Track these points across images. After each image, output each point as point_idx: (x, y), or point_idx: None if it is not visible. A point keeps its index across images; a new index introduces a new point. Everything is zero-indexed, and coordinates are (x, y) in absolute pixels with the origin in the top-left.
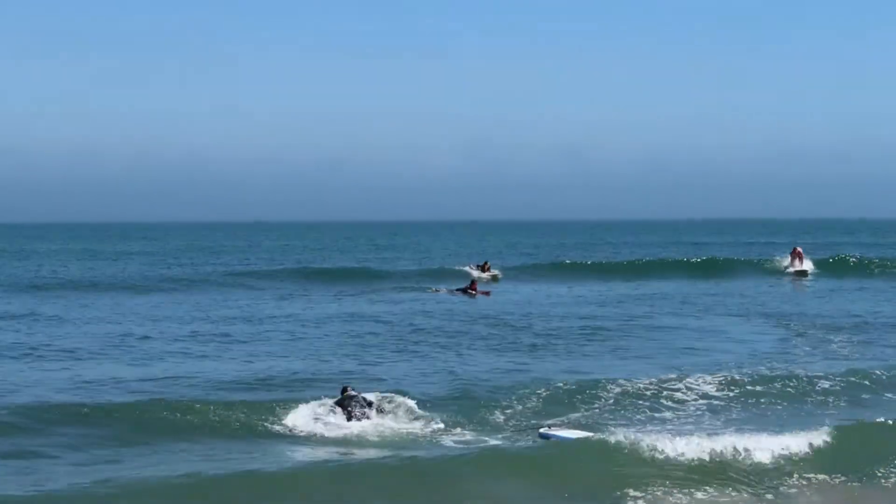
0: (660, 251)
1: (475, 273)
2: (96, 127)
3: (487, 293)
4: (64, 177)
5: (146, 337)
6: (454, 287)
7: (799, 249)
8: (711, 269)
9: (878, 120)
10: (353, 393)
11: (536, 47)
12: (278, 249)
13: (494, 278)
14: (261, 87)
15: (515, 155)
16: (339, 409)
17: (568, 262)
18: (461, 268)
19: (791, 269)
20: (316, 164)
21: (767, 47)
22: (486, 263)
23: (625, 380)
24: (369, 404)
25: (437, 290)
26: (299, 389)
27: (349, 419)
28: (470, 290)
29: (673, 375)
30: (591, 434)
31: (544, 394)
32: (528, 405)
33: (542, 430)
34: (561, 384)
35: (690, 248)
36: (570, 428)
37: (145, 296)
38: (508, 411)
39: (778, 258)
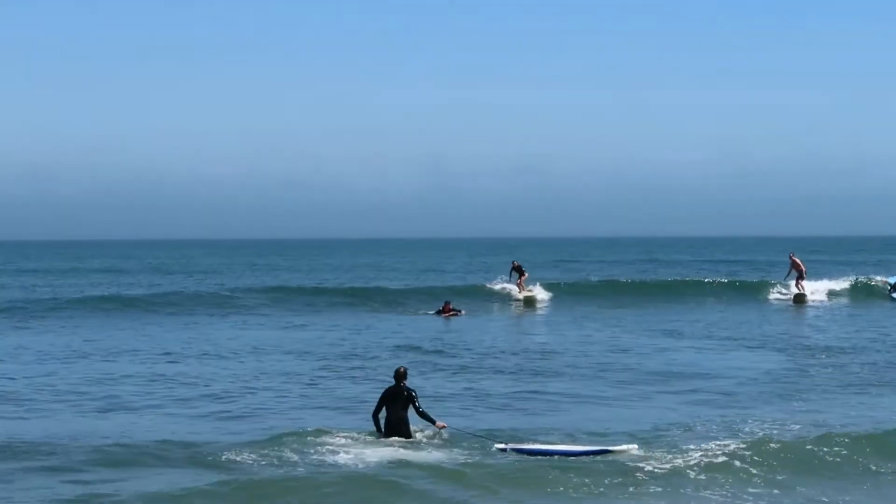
0: (663, 269)
1: (515, 291)
2: (50, 144)
3: (458, 312)
4: (14, 195)
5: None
6: (431, 310)
7: (797, 259)
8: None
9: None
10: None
11: (497, 63)
12: (264, 268)
13: (529, 301)
14: (221, 105)
15: (474, 172)
16: None
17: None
18: (495, 285)
19: (789, 288)
20: (277, 183)
21: (726, 63)
22: (521, 277)
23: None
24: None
25: (426, 313)
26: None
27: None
28: (444, 313)
29: None
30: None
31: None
32: None
33: (498, 446)
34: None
35: (679, 266)
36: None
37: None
38: None
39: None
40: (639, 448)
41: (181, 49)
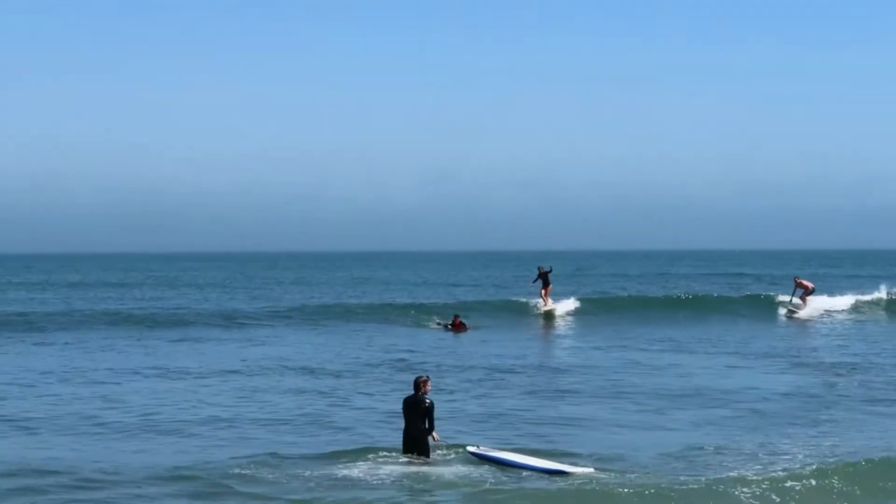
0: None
1: (542, 304)
2: (58, 157)
3: (463, 326)
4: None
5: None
6: (442, 321)
7: (801, 281)
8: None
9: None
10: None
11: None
12: (272, 282)
13: (549, 315)
14: (221, 122)
15: (480, 186)
16: None
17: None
18: (523, 299)
19: (793, 305)
20: (286, 198)
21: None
22: (546, 287)
23: None
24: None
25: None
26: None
27: None
28: (454, 327)
29: None
30: (522, 456)
31: None
32: None
33: (470, 448)
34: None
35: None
36: (500, 449)
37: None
38: None
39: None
40: (596, 471)
41: (178, 58)
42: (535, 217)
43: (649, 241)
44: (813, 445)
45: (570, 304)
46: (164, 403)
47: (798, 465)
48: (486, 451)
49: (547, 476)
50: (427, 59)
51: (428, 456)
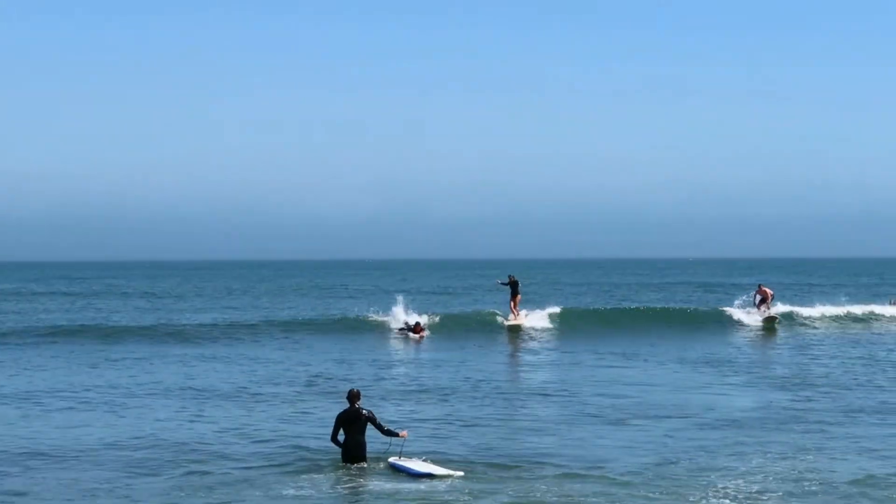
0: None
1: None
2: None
3: (422, 335)
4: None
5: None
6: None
7: (766, 288)
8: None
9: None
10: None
11: (454, 83)
12: (222, 292)
13: (515, 329)
14: (170, 127)
15: (433, 193)
16: None
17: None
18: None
19: (760, 313)
20: (232, 205)
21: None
22: (515, 297)
23: None
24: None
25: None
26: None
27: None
28: (412, 332)
29: None
30: (437, 471)
31: None
32: None
33: (391, 460)
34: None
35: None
36: (421, 461)
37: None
38: None
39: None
40: (463, 475)
41: (133, 71)
42: (485, 225)
43: (595, 249)
44: (779, 462)
45: (541, 317)
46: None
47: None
48: (403, 461)
49: (422, 480)
50: (379, 66)
51: (365, 462)
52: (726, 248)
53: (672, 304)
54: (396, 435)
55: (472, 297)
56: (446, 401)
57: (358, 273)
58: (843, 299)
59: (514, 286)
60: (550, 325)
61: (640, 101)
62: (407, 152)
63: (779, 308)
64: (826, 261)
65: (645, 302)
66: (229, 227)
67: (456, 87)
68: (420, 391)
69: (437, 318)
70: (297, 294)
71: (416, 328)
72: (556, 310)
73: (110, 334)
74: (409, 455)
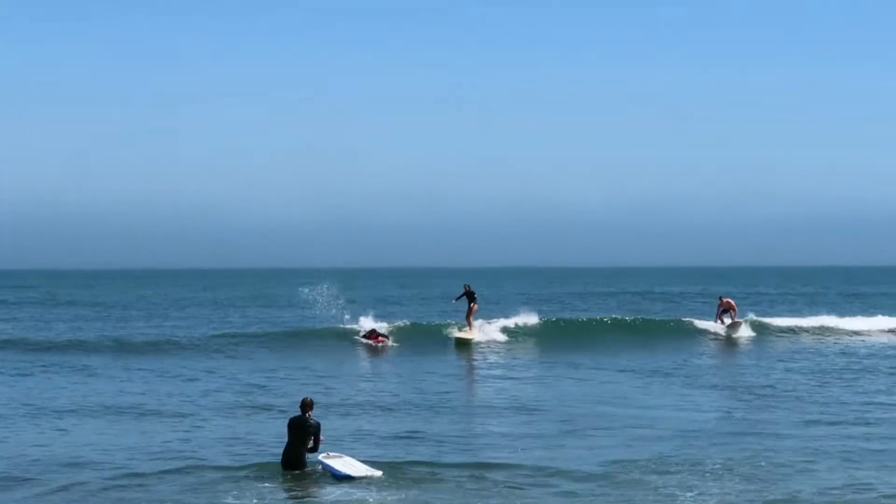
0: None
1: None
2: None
3: (383, 342)
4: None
5: None
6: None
7: (728, 300)
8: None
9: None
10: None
11: (387, 90)
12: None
13: (462, 343)
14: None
15: (366, 200)
16: None
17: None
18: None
19: (725, 325)
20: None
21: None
22: (471, 306)
23: None
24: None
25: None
26: None
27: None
28: (371, 339)
29: None
30: (357, 471)
31: None
32: None
33: (320, 457)
34: None
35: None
36: (349, 462)
37: None
38: None
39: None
40: (382, 475)
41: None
42: (422, 233)
43: (535, 258)
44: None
45: (494, 329)
46: None
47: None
48: (331, 459)
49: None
50: (314, 74)
51: (305, 468)
52: (658, 257)
53: (620, 315)
54: (315, 450)
55: (419, 306)
56: (392, 414)
57: (305, 281)
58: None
59: (469, 296)
60: (505, 339)
61: (574, 107)
62: (343, 161)
63: (749, 318)
64: (756, 269)
65: (592, 312)
66: (163, 234)
67: (393, 99)
68: (368, 405)
69: (386, 328)
70: (250, 304)
71: (372, 335)
72: (510, 323)
73: (49, 347)
74: (340, 453)
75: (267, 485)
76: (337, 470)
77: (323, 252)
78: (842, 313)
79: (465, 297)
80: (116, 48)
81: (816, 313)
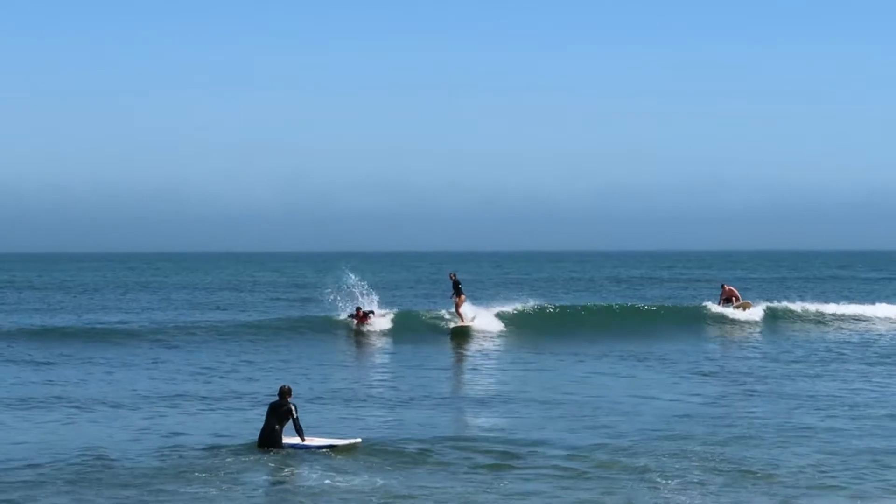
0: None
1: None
2: None
3: (367, 317)
4: None
5: None
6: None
7: (731, 287)
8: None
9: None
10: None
11: (355, 75)
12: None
13: (459, 332)
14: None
15: (335, 186)
16: None
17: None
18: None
19: (731, 309)
20: (140, 195)
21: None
22: (458, 297)
23: None
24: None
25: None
26: None
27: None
28: (356, 318)
29: None
30: (337, 441)
31: None
32: None
33: (287, 442)
34: None
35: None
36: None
37: None
38: None
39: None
40: (361, 441)
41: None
42: (387, 217)
43: (505, 241)
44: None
45: (488, 318)
46: None
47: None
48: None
49: (322, 450)
50: (281, 59)
51: (281, 448)
52: (636, 242)
53: (628, 301)
54: (301, 437)
55: (403, 292)
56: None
57: (277, 267)
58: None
59: (454, 286)
60: (503, 327)
61: (555, 97)
62: (315, 146)
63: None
64: (734, 253)
65: (587, 297)
66: (132, 218)
67: (358, 84)
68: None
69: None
70: (227, 290)
71: (358, 314)
72: (507, 309)
73: (40, 333)
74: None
75: (244, 465)
76: (315, 445)
77: (288, 237)
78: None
79: (452, 288)
80: (84, 30)
81: (827, 300)
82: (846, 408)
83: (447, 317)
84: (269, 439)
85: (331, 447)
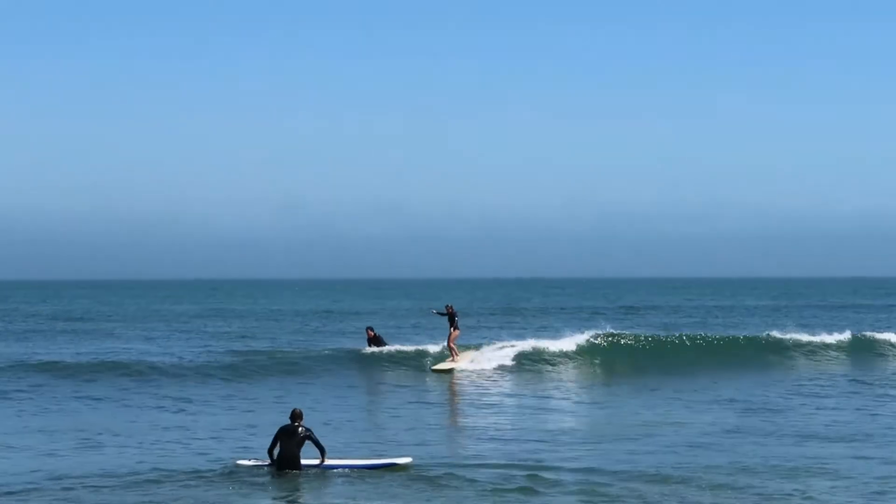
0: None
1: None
2: None
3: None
4: None
5: None
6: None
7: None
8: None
9: None
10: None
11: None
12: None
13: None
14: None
15: (332, 212)
16: None
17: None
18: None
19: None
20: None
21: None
22: (452, 331)
23: None
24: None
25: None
26: None
27: None
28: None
29: None
30: (382, 461)
31: None
32: None
33: (239, 461)
34: None
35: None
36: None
37: None
38: None
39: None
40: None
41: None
42: (386, 244)
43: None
44: None
45: (499, 356)
46: None
47: None
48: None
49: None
50: (272, 84)
51: (300, 469)
52: (620, 269)
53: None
54: (323, 453)
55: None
56: None
57: (289, 295)
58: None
59: (451, 318)
60: (512, 364)
61: (546, 119)
62: (312, 169)
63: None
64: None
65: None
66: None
67: (356, 105)
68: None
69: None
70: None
71: (370, 334)
72: (526, 347)
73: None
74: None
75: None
76: (357, 464)
77: (282, 263)
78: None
79: (447, 318)
80: (74, 53)
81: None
82: None
83: (434, 352)
84: (290, 464)
85: (375, 467)
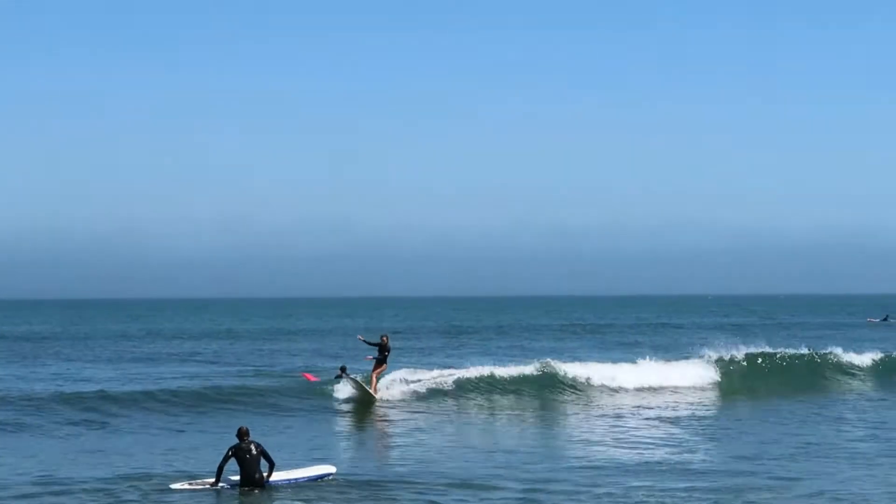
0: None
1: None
2: None
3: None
4: None
5: None
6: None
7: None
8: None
9: None
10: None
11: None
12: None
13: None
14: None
15: (275, 230)
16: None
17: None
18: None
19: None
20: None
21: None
22: (380, 363)
23: None
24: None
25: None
26: None
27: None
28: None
29: None
30: (318, 472)
31: None
32: None
33: (269, 481)
34: None
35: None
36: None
37: None
38: None
39: None
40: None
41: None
42: (330, 263)
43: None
44: None
45: (401, 387)
46: None
47: None
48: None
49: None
50: (218, 100)
51: (264, 487)
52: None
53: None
54: (272, 468)
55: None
56: None
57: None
58: None
59: (381, 349)
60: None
61: (519, 134)
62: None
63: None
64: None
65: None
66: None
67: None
68: None
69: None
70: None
71: (342, 373)
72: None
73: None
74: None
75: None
76: (295, 478)
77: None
78: None
79: (377, 348)
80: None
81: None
82: None
83: (347, 378)
84: (254, 483)
85: (315, 479)
